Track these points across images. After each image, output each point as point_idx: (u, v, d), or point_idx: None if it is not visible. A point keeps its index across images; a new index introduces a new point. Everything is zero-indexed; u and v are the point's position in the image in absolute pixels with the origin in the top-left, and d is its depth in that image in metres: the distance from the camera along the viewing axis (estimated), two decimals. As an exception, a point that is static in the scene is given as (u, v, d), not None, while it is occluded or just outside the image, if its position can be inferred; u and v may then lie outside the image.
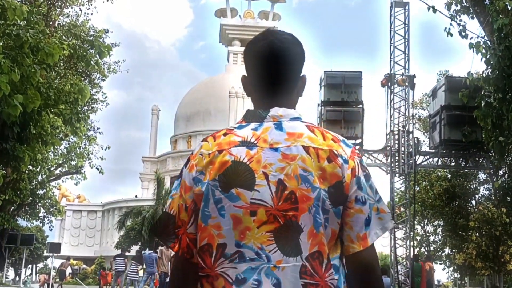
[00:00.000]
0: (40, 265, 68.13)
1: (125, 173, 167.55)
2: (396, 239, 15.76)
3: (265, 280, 1.40)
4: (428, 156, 16.29)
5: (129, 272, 23.25)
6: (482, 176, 31.39)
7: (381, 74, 16.35)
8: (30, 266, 67.51)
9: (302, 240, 1.42)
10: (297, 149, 1.47)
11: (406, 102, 16.06)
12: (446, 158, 16.36)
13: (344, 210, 1.48)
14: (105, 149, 36.98)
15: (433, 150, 16.16)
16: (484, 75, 11.23)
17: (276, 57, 1.56)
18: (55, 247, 38.76)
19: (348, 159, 1.50)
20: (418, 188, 17.60)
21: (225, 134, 1.54)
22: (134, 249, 39.04)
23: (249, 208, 1.44)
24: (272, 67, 1.56)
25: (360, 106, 15.63)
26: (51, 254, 41.81)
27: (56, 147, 33.60)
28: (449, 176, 29.26)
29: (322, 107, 15.66)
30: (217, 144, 1.51)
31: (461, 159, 16.23)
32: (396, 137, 15.87)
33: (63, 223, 62.60)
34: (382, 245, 58.13)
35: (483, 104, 11.82)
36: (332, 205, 1.46)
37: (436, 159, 16.27)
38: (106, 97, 38.15)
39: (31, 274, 66.77)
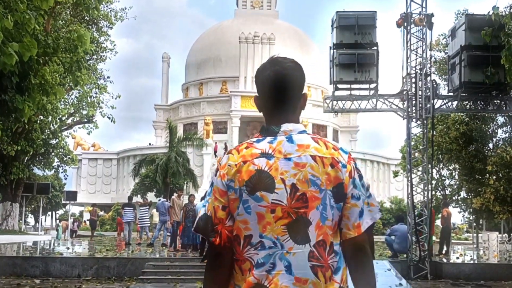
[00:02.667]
0: (60, 211, 69.35)
1: (139, 120, 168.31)
2: (414, 186, 15.23)
3: (278, 263, 1.80)
4: (446, 100, 15.49)
5: (139, 219, 23.12)
6: (500, 119, 30.61)
7: (396, 13, 15.35)
8: (49, 213, 68.75)
9: (311, 231, 1.81)
10: (306, 158, 1.84)
11: (424, 43, 15.12)
12: (466, 102, 15.55)
13: (344, 205, 1.88)
14: (116, 98, 36.66)
15: (452, 94, 15.36)
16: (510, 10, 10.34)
17: (281, 82, 1.93)
18: (72, 195, 39.07)
19: (346, 164, 1.88)
20: (434, 132, 17.11)
21: (246, 148, 1.90)
22: (149, 196, 39.35)
23: (270, 207, 1.82)
24: (279, 91, 1.94)
25: (375, 48, 14.73)
26: (68, 202, 42.31)
27: (66, 96, 33.40)
28: (466, 119, 28.50)
29: (335, 50, 14.80)
30: (241, 156, 1.88)
31: (481, 102, 15.42)
32: (413, 80, 15.07)
33: (79, 171, 63.25)
34: (396, 189, 58.33)
35: (511, 43, 10.96)
36: (335, 202, 1.86)
37: (455, 102, 15.48)
38: (114, 45, 37.40)
39: (53, 221, 68.06)
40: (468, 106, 15.69)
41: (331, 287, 1.81)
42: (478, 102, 15.43)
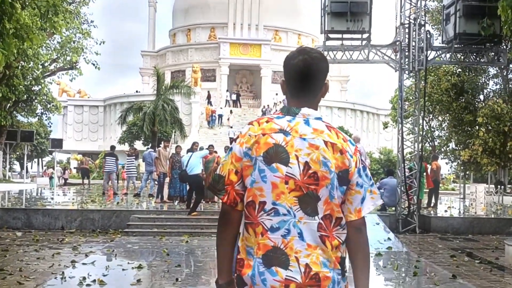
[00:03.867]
0: (48, 158, 69.02)
1: (125, 67, 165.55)
2: (404, 139, 15.03)
3: (292, 229, 2.05)
4: (440, 52, 15.08)
5: (126, 169, 22.82)
6: (492, 70, 30.29)
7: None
8: (36, 160, 68.42)
9: (319, 206, 2.07)
10: (319, 142, 2.08)
11: (419, -9, 14.59)
12: (459, 53, 15.15)
13: (347, 190, 2.12)
14: (100, 44, 35.72)
15: (446, 45, 14.95)
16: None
17: (307, 70, 2.15)
18: (57, 143, 38.53)
19: (352, 154, 2.12)
20: (426, 84, 16.71)
21: (267, 121, 2.13)
22: (137, 145, 39.00)
23: (284, 178, 2.06)
24: (304, 78, 2.17)
25: (368, -4, 14.22)
26: (53, 149, 41.87)
27: (48, 41, 32.40)
28: (458, 70, 28.18)
29: (327, -3, 14.25)
30: (261, 129, 2.11)
31: (474, 54, 15.04)
32: (407, 30, 14.61)
33: (65, 118, 62.45)
34: (385, 139, 58.47)
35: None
36: (339, 185, 2.10)
37: (448, 54, 15.09)
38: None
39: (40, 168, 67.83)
40: (461, 58, 15.29)
41: (337, 253, 2.10)
42: (472, 54, 15.05)
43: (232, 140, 46.98)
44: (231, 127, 48.76)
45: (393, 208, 15.65)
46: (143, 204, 17.02)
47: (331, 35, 14.67)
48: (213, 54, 60.23)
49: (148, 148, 23.53)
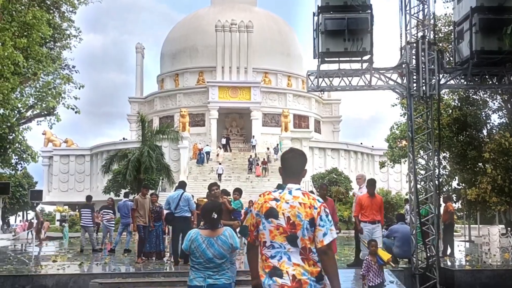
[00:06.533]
0: (31, 212, 65.76)
1: (114, 116, 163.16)
2: (408, 176, 12.61)
3: (283, 256, 3.90)
4: (453, 74, 12.76)
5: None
6: (494, 104, 28.25)
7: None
8: (20, 213, 65.20)
9: (298, 242, 3.92)
10: (296, 203, 3.96)
11: (426, 5, 12.42)
12: (476, 76, 12.82)
13: (314, 229, 3.95)
14: (79, 88, 33.45)
15: (460, 66, 12.65)
16: None
17: (293, 162, 4.21)
18: (37, 195, 35.45)
19: (317, 208, 3.98)
20: (420, 118, 14.47)
21: (268, 194, 4.11)
22: (123, 195, 36.26)
23: (276, 227, 3.96)
24: (291, 167, 4.19)
25: (368, 11, 11.94)
26: (35, 202, 39.04)
27: (25, 86, 30.11)
28: (458, 104, 26.08)
29: (320, 14, 11.99)
30: (264, 199, 4.08)
31: (494, 76, 12.75)
32: (414, 51, 12.35)
33: (51, 169, 59.77)
34: (381, 180, 56.02)
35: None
36: (310, 227, 3.95)
37: (463, 77, 12.76)
38: (80, 32, 34.10)
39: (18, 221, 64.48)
40: (479, 81, 12.98)
41: (316, 268, 3.93)
42: (492, 76, 12.76)
43: (220, 176, 44.81)
44: (220, 164, 46.47)
45: (406, 260, 13.05)
46: (110, 264, 14.27)
47: (326, 58, 12.35)
48: (201, 98, 58.23)
49: (122, 199, 20.32)
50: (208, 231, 5.56)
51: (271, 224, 3.92)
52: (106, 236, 20.65)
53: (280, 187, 4.07)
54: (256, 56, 58.51)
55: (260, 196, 4.10)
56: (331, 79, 12.75)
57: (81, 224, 19.39)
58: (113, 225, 20.72)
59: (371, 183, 12.37)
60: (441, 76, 12.44)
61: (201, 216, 5.90)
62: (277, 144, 50.56)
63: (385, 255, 9.48)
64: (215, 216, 5.60)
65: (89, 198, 20.12)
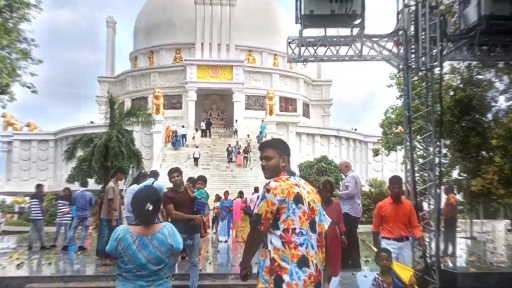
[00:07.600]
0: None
1: (84, 98, 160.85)
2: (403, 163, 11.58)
3: (309, 243, 4.22)
4: (457, 43, 11.72)
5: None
6: (499, 85, 27.40)
7: None
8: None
9: (316, 227, 4.35)
10: (310, 189, 4.50)
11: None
12: (484, 46, 11.82)
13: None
14: (37, 64, 32.09)
15: (466, 34, 11.63)
16: None
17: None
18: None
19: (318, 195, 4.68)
20: (418, 102, 13.39)
21: (286, 179, 4.33)
22: (90, 182, 34.98)
23: (303, 213, 4.26)
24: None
25: (360, -33, 10.94)
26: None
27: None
28: (461, 85, 25.18)
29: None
30: (287, 184, 4.27)
31: (506, 46, 11.76)
32: (412, 16, 11.33)
33: (10, 155, 58.14)
34: (374, 169, 55.37)
35: None
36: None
37: (469, 47, 11.73)
38: (40, 1, 32.69)
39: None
40: (488, 52, 11.97)
41: (323, 255, 4.35)
42: (503, 46, 11.76)
43: (196, 160, 43.38)
44: (197, 147, 45.17)
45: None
46: (59, 264, 13.19)
47: (310, 22, 11.24)
48: (178, 78, 56.91)
49: (79, 189, 18.57)
50: (141, 228, 4.51)
51: (300, 210, 4.22)
52: (60, 231, 19.45)
53: (292, 173, 4.45)
54: (239, 32, 57.27)
55: (277, 181, 4.28)
56: (315, 47, 11.67)
57: (30, 217, 18.26)
58: (69, 219, 19.52)
59: (395, 181, 8.78)
60: (444, 45, 11.40)
61: (131, 207, 4.85)
62: (260, 131, 49.18)
63: (405, 272, 7.14)
64: (150, 207, 4.55)
65: (39, 186, 18.95)
